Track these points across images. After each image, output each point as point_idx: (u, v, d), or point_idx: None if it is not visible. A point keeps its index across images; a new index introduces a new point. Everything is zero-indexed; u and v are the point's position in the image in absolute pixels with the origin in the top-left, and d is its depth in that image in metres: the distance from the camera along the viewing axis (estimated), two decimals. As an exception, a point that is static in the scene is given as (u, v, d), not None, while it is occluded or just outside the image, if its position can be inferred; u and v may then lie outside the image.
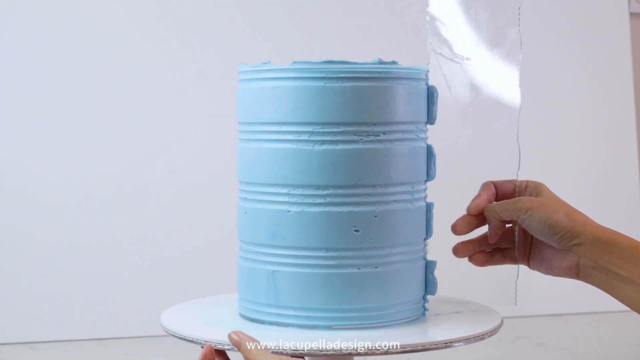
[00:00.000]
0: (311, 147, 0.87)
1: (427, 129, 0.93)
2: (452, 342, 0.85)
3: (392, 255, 0.89)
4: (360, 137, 0.87)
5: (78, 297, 1.52)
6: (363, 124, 0.87)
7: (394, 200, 0.89)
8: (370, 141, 0.87)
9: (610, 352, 1.46)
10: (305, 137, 0.88)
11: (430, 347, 0.84)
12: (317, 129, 0.87)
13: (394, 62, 0.89)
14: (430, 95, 0.92)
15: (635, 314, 0.90)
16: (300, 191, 0.88)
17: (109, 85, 1.56)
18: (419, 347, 0.84)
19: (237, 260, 0.94)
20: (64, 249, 1.52)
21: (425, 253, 0.94)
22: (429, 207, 0.93)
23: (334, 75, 0.87)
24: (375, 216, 0.88)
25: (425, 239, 0.93)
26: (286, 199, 0.88)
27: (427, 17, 0.94)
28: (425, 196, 0.93)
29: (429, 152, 0.92)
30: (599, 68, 1.79)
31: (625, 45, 1.80)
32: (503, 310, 0.96)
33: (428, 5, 0.94)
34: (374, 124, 0.87)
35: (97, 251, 1.53)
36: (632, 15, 1.83)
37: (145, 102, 1.57)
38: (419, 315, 0.93)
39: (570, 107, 1.77)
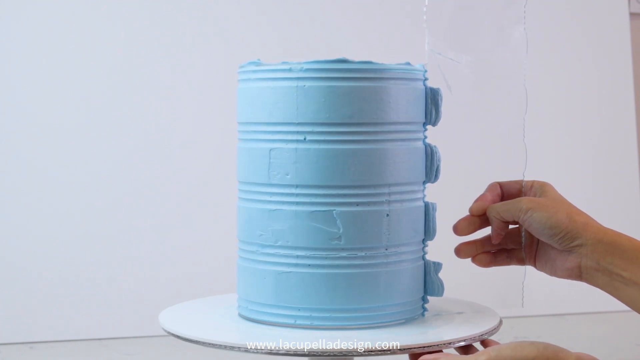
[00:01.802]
0: (310, 147, 0.87)
1: (427, 129, 0.93)
2: (452, 342, 0.85)
3: (391, 256, 0.89)
4: (358, 137, 0.87)
5: (78, 297, 1.52)
6: (361, 124, 0.87)
7: (391, 201, 0.89)
8: (368, 141, 0.87)
9: (610, 352, 1.46)
10: (304, 137, 0.88)
11: (430, 347, 0.84)
12: (316, 128, 0.87)
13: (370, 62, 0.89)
14: (433, 96, 0.92)
15: (635, 314, 0.90)
16: (300, 191, 0.88)
17: (107, 85, 1.56)
18: (419, 347, 0.84)
19: (236, 260, 0.94)
20: (63, 249, 1.52)
21: (425, 253, 0.93)
22: (428, 208, 0.93)
23: (332, 75, 0.87)
24: (288, 216, 0.88)
25: (425, 240, 0.93)
26: (286, 198, 0.88)
27: (424, 17, 0.94)
28: (424, 196, 0.93)
29: (433, 153, 0.92)
30: (599, 68, 1.79)
31: (625, 45, 1.80)
32: (503, 310, 0.96)
33: (425, 4, 0.94)
34: (371, 124, 0.87)
35: (97, 251, 1.53)
36: (632, 15, 1.83)
37: (145, 102, 1.57)
38: (419, 315, 0.93)
39: (570, 107, 1.77)
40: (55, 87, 1.54)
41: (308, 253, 0.88)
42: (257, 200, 0.90)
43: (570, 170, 1.76)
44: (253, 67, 0.90)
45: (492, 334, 0.90)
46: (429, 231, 0.93)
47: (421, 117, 0.92)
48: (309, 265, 0.88)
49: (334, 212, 0.87)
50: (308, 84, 0.87)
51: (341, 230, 0.87)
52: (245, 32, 1.62)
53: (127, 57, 1.57)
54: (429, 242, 0.94)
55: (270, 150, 0.88)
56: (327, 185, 0.87)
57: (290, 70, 0.87)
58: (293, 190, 0.88)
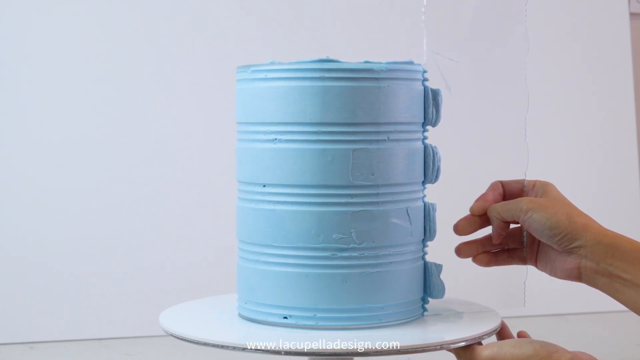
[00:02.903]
0: (308, 147, 0.87)
1: (426, 130, 0.93)
2: (452, 343, 0.85)
3: (391, 256, 0.89)
4: (356, 137, 0.87)
5: (78, 297, 1.52)
6: (358, 124, 0.87)
7: (389, 201, 0.89)
8: (365, 141, 0.87)
9: (610, 352, 1.46)
10: (301, 136, 0.88)
11: (430, 347, 0.84)
12: (397, 128, 0.87)
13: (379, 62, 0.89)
14: (433, 96, 0.92)
15: (635, 314, 0.90)
16: (297, 191, 0.88)
17: (107, 86, 1.56)
18: (419, 348, 0.83)
19: (236, 261, 0.94)
20: (64, 249, 1.52)
21: (425, 254, 0.93)
22: (428, 208, 0.93)
23: (407, 77, 0.88)
24: (373, 216, 0.88)
25: (424, 240, 0.93)
26: (284, 198, 0.88)
27: (423, 17, 0.93)
28: (424, 196, 0.93)
29: (434, 154, 0.92)
30: (599, 68, 1.79)
31: (625, 45, 1.80)
32: (503, 310, 0.96)
33: (424, 4, 0.93)
34: (369, 124, 0.87)
35: (97, 251, 1.53)
36: (632, 15, 1.83)
37: (144, 103, 1.57)
38: (419, 315, 0.93)
39: (570, 107, 1.77)
40: (53, 89, 1.54)
41: (306, 253, 0.88)
42: (256, 200, 0.90)
43: (569, 170, 1.76)
44: (324, 65, 0.87)
45: (493, 334, 0.90)
46: (428, 232, 0.93)
47: (418, 117, 0.92)
48: (308, 265, 0.88)
49: (407, 208, 0.89)
50: (389, 84, 0.88)
51: (412, 226, 0.89)
52: (245, 32, 1.62)
53: (125, 58, 1.57)
54: (429, 243, 0.94)
55: (353, 150, 0.87)
56: (403, 182, 0.89)
57: (372, 70, 0.87)
58: (377, 190, 0.88)
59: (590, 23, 1.78)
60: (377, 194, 0.88)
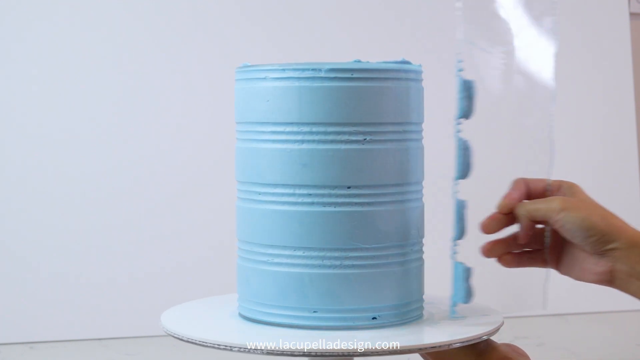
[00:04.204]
0: (305, 147, 0.87)
1: (422, 129, 0.93)
2: (452, 343, 0.85)
3: (389, 257, 0.89)
4: (352, 137, 0.87)
5: (78, 297, 1.52)
6: (355, 124, 0.87)
7: (386, 201, 0.88)
8: (362, 141, 0.87)
9: (610, 352, 1.46)
10: (299, 137, 0.88)
11: (430, 347, 0.84)
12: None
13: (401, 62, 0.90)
14: (466, 88, 0.90)
15: (635, 314, 0.89)
16: (296, 191, 0.88)
17: (107, 85, 1.56)
18: (419, 348, 0.83)
19: (236, 261, 0.94)
20: (64, 250, 1.52)
21: (423, 253, 0.93)
22: (423, 208, 0.93)
23: (408, 77, 0.88)
24: (372, 216, 0.88)
25: (422, 240, 0.93)
26: (283, 198, 0.88)
27: (457, 4, 0.91)
28: (422, 196, 0.93)
29: (465, 147, 0.90)
30: (599, 68, 1.79)
31: (625, 45, 1.80)
32: (504, 311, 0.96)
33: None
34: (365, 124, 0.87)
35: (97, 251, 1.54)
36: (632, 15, 1.83)
37: (144, 102, 1.57)
38: (419, 315, 0.93)
39: (569, 107, 1.77)
40: (55, 88, 1.54)
41: (305, 253, 0.87)
42: (255, 200, 0.90)
43: (569, 170, 1.75)
44: (405, 67, 0.89)
45: (493, 334, 0.90)
46: (459, 230, 0.91)
47: (415, 117, 0.92)
48: (307, 265, 0.88)
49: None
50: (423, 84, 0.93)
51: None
52: (245, 32, 1.62)
53: (126, 57, 1.57)
54: (459, 242, 0.91)
55: (419, 149, 0.91)
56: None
57: (417, 71, 0.91)
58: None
59: (590, 23, 1.79)
60: (420, 190, 0.92)
